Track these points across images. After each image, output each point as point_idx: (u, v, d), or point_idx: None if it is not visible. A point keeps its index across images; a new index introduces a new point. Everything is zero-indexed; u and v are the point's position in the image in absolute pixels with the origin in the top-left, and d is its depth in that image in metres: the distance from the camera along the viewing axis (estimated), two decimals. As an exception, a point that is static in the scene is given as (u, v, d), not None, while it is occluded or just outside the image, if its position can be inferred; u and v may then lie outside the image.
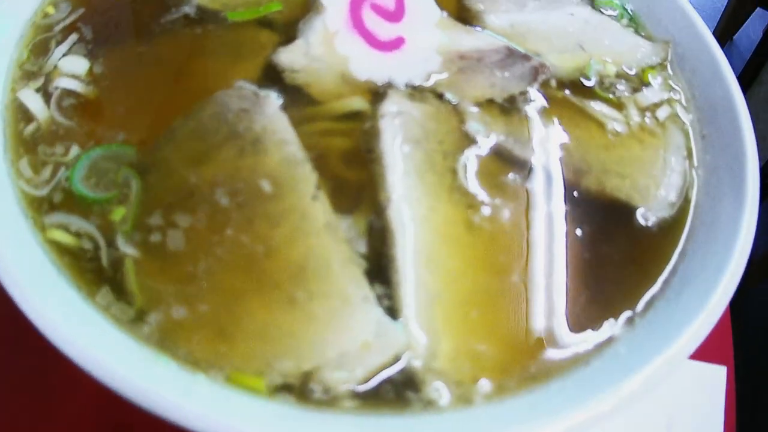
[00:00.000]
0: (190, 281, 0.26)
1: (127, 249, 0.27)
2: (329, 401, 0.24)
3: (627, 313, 0.28)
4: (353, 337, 0.25)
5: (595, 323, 0.27)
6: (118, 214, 0.28)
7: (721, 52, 0.39)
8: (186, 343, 0.24)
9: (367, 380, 0.24)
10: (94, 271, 0.27)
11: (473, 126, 0.33)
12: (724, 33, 2.02)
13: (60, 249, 0.27)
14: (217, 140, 0.30)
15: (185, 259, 0.26)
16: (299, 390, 0.23)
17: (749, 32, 2.53)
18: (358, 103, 0.33)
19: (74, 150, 0.31)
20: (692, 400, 0.43)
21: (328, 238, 0.27)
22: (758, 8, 2.26)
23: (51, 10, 0.37)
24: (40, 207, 0.29)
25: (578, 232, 0.30)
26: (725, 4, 2.04)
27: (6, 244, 0.24)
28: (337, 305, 0.25)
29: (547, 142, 0.34)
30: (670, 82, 0.40)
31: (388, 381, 0.24)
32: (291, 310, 0.25)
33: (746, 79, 1.77)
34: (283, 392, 0.24)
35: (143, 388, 0.20)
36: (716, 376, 0.44)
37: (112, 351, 0.22)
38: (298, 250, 0.26)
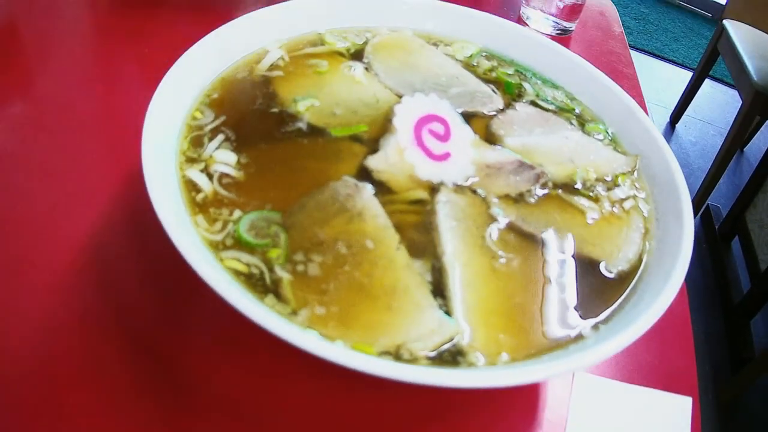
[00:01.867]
0: (325, 293, 0.40)
1: (282, 274, 0.41)
2: (413, 360, 0.38)
3: (593, 322, 0.43)
4: (425, 326, 0.40)
5: (572, 327, 0.42)
6: (274, 253, 0.42)
7: (675, 160, 0.53)
8: (324, 329, 0.38)
9: (435, 350, 0.39)
10: (262, 286, 0.40)
11: (495, 210, 0.49)
12: (734, 144, 2.19)
13: (236, 272, 0.41)
14: (333, 212, 0.45)
15: (320, 280, 0.41)
16: (395, 354, 0.38)
17: (760, 143, 2.75)
18: (421, 194, 0.48)
19: (237, 213, 0.44)
20: (659, 429, 0.50)
21: (408, 272, 0.42)
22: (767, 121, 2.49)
23: (198, 114, 0.51)
24: (217, 246, 0.42)
25: (562, 275, 0.45)
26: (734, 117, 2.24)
27: (205, 267, 0.36)
28: (416, 309, 0.40)
29: (542, 222, 0.49)
30: (636, 183, 0.55)
31: (447, 351, 0.39)
32: (388, 312, 0.40)
33: (753, 188, 1.95)
34: (385, 355, 0.38)
35: (303, 339, 0.34)
36: (682, 406, 0.52)
37: (283, 325, 0.35)
38: (390, 279, 0.42)
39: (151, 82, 0.50)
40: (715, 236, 2.37)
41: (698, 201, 2.49)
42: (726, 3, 2.68)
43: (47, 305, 0.49)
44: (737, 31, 2.52)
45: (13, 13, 0.84)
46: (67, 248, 0.53)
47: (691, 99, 3.01)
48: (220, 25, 0.57)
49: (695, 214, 2.52)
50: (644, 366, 0.55)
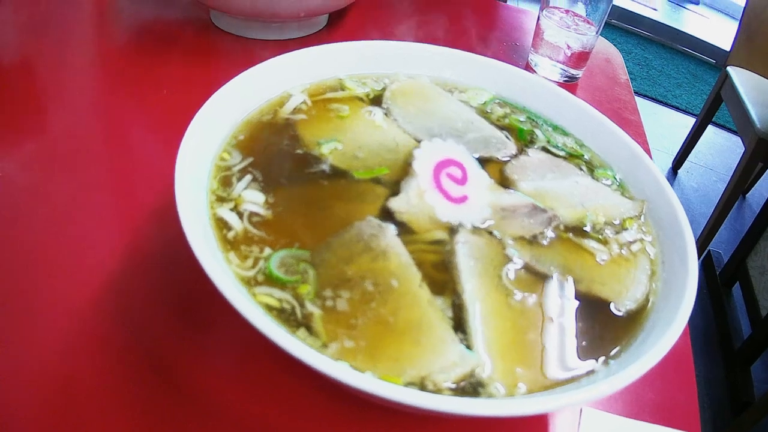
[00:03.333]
0: (353, 328, 0.43)
1: (313, 309, 0.44)
2: (437, 391, 0.41)
3: (603, 358, 0.46)
4: (448, 359, 0.43)
5: (584, 362, 0.45)
6: (304, 289, 0.45)
7: (681, 206, 0.57)
8: (353, 361, 0.41)
9: (457, 382, 0.42)
10: (293, 320, 0.43)
11: (510, 251, 0.53)
12: (736, 190, 2.24)
13: (268, 307, 0.43)
14: (358, 250, 0.49)
15: (349, 315, 0.44)
16: (420, 385, 0.41)
17: (762, 190, 2.81)
18: (441, 234, 0.52)
19: (267, 250, 0.47)
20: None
21: (431, 308, 0.46)
22: (769, 168, 2.54)
23: (227, 156, 0.55)
24: (250, 282, 0.45)
25: (573, 313, 0.49)
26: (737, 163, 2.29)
27: (240, 301, 0.38)
28: (439, 343, 0.44)
29: (555, 263, 0.53)
30: (642, 227, 0.59)
31: (468, 382, 0.42)
32: (415, 346, 0.43)
33: (754, 234, 1.99)
34: (411, 385, 0.41)
35: (334, 369, 0.37)
36: (684, 441, 0.55)
37: (314, 357, 0.38)
38: (414, 315, 0.45)
39: (169, 119, 0.53)
40: (717, 282, 2.41)
41: (700, 246, 2.53)
42: (730, 49, 2.76)
43: (68, 333, 0.52)
44: (741, 77, 2.60)
45: (25, 49, 0.89)
46: (88, 281, 0.57)
47: (694, 145, 3.08)
48: (233, 68, 0.61)
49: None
50: (648, 403, 0.58)
